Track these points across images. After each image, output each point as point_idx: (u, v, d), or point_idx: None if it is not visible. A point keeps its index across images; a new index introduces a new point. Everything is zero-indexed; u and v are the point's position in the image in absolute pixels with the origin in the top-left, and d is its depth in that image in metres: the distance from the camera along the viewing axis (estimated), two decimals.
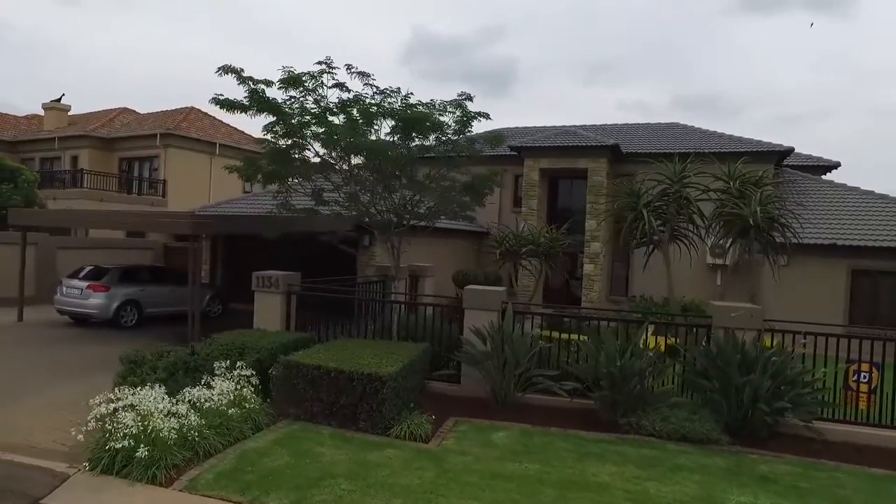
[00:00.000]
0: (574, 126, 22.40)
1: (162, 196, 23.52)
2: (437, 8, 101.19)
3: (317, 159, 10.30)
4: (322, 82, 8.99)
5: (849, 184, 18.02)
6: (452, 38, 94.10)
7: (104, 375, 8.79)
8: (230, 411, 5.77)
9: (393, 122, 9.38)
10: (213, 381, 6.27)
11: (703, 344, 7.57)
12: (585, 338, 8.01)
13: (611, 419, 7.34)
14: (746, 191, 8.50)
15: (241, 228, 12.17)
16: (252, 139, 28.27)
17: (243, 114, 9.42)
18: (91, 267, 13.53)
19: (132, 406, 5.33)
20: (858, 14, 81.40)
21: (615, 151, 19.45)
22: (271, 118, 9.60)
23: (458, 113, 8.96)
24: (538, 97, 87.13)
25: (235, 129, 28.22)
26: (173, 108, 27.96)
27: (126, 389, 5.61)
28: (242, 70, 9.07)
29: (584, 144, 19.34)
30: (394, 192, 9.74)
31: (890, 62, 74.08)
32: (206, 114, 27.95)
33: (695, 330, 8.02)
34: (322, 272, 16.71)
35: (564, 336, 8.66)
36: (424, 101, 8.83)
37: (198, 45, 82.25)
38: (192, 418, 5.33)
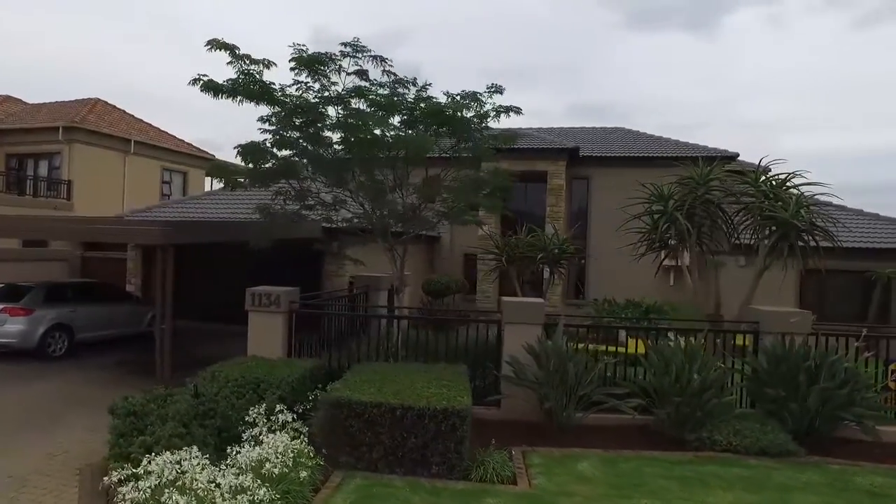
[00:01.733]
0: (528, 129, 22.26)
1: (66, 199, 20.22)
2: (336, 10, 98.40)
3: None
4: (340, 66, 7.75)
5: None
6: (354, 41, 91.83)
7: (65, 428, 7.02)
8: (302, 475, 4.50)
9: (402, 116, 8.34)
10: (255, 431, 4.95)
11: (761, 349, 7.33)
12: (632, 350, 7.52)
13: (676, 436, 6.89)
14: (777, 193, 8.47)
15: (221, 236, 10.41)
16: (171, 137, 25.42)
17: (231, 99, 7.92)
18: (1, 285, 11.01)
19: (174, 483, 3.95)
20: (723, 36, 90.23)
21: (573, 154, 19.50)
22: (262, 107, 8.19)
23: (482, 107, 8.09)
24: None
25: (150, 125, 25.13)
26: (70, 98, 24.30)
27: (158, 459, 4.18)
28: (237, 48, 7.60)
29: (545, 147, 19.19)
30: (406, 193, 8.68)
31: (748, 80, 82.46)
32: (114, 107, 24.62)
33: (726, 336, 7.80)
34: (278, 284, 15.08)
35: (598, 347, 8.14)
36: (453, 93, 7.88)
37: (73, 38, 73.42)
38: (262, 492, 4.05)
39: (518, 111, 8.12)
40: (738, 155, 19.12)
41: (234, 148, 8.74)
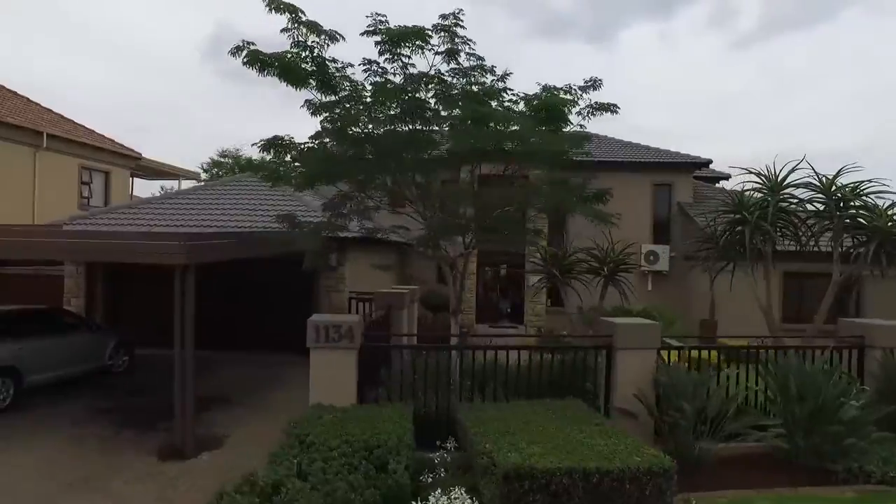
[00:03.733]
0: None
1: None
2: (243, 4, 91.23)
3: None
4: (425, 46, 6.38)
5: None
6: (260, 39, 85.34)
7: None
8: None
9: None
10: None
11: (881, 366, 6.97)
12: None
13: (815, 465, 6.30)
14: (848, 200, 8.30)
15: (261, 251, 8.56)
16: (90, 131, 21.81)
17: (282, 79, 6.33)
18: None
19: None
20: (618, 49, 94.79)
21: None
22: (310, 92, 6.67)
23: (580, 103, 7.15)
24: None
25: (63, 116, 21.44)
26: None
27: None
28: (302, 12, 6.00)
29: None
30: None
31: (638, 91, 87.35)
32: (15, 93, 20.72)
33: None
34: (262, 302, 13.10)
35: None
36: (548, 84, 6.84)
37: None
38: None
39: (616, 109, 7.21)
40: (710, 161, 19.59)
41: (254, 144, 7.23)
